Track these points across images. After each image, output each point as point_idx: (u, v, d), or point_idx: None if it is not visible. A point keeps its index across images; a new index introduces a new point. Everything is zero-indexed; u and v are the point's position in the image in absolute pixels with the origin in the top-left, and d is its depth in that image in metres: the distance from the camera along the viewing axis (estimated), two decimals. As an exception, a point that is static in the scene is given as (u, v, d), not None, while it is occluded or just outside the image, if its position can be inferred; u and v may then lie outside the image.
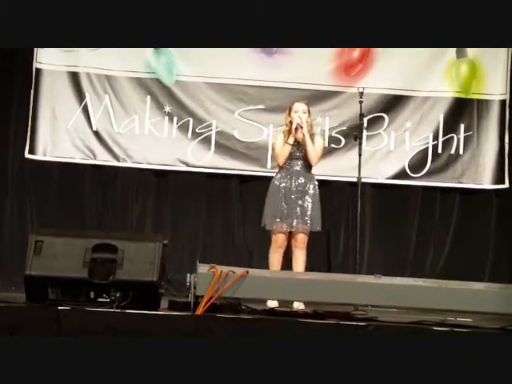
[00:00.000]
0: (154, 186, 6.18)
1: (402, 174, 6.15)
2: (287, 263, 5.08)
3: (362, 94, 5.44)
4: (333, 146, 6.17)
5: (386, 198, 6.22)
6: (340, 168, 6.11)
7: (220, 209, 6.21)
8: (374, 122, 6.14)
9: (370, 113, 6.05)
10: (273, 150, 5.07)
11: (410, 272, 5.92)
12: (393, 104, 6.17)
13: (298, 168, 4.98)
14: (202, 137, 6.11)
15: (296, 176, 4.97)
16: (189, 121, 6.10)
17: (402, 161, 6.15)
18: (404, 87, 6.15)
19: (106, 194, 6.13)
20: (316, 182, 5.05)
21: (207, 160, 6.12)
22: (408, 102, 6.17)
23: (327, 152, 6.07)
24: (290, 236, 4.97)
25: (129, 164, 6.06)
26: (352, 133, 5.68)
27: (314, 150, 4.95)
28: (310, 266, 5.90)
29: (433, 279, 4.96)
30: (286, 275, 4.44)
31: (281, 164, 4.97)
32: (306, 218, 4.92)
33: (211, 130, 6.11)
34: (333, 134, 6.17)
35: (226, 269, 3.65)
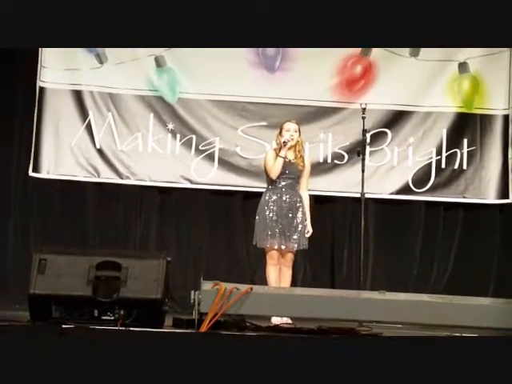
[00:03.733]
0: (158, 203, 6.20)
1: (405, 190, 6.17)
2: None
3: (364, 109, 5.46)
4: (336, 161, 6.20)
5: (390, 214, 6.23)
6: (343, 184, 6.13)
7: (223, 225, 6.22)
8: (377, 138, 6.17)
9: (373, 128, 6.08)
10: (264, 166, 5.06)
11: (413, 288, 5.90)
12: (395, 119, 6.20)
13: (287, 185, 5.00)
14: (205, 154, 6.15)
15: (285, 194, 4.98)
16: (192, 138, 6.14)
17: (406, 176, 6.17)
18: (406, 103, 6.19)
19: (110, 212, 6.15)
20: (306, 199, 5.07)
21: (210, 177, 6.13)
22: (411, 118, 6.20)
23: (330, 168, 6.14)
24: (281, 253, 4.98)
25: (132, 181, 6.08)
26: (355, 148, 5.71)
27: (308, 202, 5.01)
28: (313, 282, 6.08)
29: (437, 295, 4.95)
30: (291, 292, 4.44)
31: (274, 177, 4.97)
32: (295, 237, 4.96)
33: (214, 146, 6.15)
34: (336, 150, 6.20)
35: (229, 285, 3.65)
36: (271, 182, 5.05)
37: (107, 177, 6.06)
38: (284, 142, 4.95)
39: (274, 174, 4.98)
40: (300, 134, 5.08)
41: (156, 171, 6.12)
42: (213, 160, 6.14)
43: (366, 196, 5.49)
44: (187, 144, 6.15)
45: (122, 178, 6.07)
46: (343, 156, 6.19)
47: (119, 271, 3.75)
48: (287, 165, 5.01)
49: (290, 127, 5.02)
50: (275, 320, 4.55)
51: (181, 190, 6.14)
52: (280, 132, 5.08)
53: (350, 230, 6.18)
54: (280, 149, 5.01)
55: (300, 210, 5.01)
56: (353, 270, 6.04)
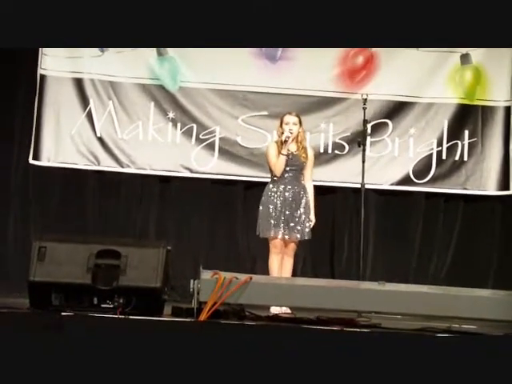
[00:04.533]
0: (158, 192, 6.17)
1: (406, 180, 6.14)
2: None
3: (365, 100, 5.45)
4: (336, 152, 6.18)
5: (390, 205, 6.21)
6: (344, 174, 6.11)
7: (224, 215, 6.20)
8: (378, 129, 6.13)
9: (374, 119, 6.05)
10: (267, 161, 5.08)
11: (413, 279, 5.88)
12: (397, 110, 6.17)
13: (291, 177, 5.00)
14: (205, 143, 6.13)
15: (289, 185, 4.99)
16: (192, 127, 6.12)
17: (407, 167, 6.14)
18: (408, 93, 6.16)
19: (110, 200, 6.11)
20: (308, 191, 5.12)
21: (211, 166, 6.12)
22: (412, 108, 6.17)
23: (331, 158, 6.13)
24: (285, 242, 4.99)
25: (132, 170, 6.06)
26: (356, 139, 5.70)
27: (312, 192, 5.02)
28: (313, 273, 6.09)
29: (437, 286, 4.92)
30: (291, 281, 4.44)
31: (278, 175, 4.98)
32: (298, 228, 4.96)
33: (215, 136, 6.13)
34: (336, 140, 6.19)
35: (229, 275, 3.66)
36: (277, 177, 5.06)
37: (107, 165, 6.04)
38: (285, 140, 4.92)
39: (277, 173, 4.99)
40: (301, 125, 5.06)
41: (156, 160, 6.10)
42: (213, 149, 6.12)
43: (367, 187, 5.50)
44: (188, 133, 6.12)
45: (122, 167, 6.05)
46: (344, 146, 6.17)
47: (119, 259, 3.75)
48: (290, 157, 4.99)
49: (289, 120, 5.00)
50: (274, 310, 4.54)
51: (181, 180, 6.12)
52: (280, 124, 5.06)
53: (351, 220, 6.16)
54: (282, 143, 4.98)
55: (303, 200, 5.00)
56: (353, 261, 6.01)
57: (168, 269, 3.89)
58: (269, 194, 5.00)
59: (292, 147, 5.02)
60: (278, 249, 4.97)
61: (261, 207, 5.03)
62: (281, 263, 4.98)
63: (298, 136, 5.05)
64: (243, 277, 3.65)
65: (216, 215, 6.19)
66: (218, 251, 6.11)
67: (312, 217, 5.05)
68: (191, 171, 6.10)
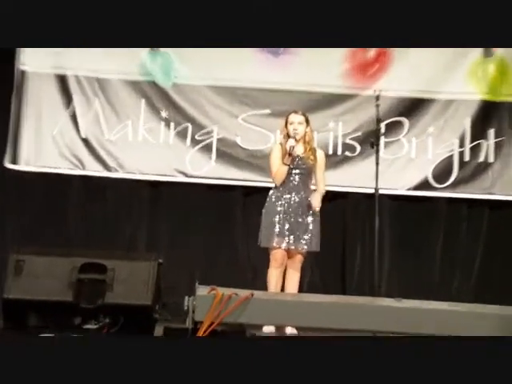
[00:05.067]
0: (149, 198, 6.12)
1: (424, 185, 6.08)
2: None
3: (378, 96, 5.41)
4: (347, 154, 6.12)
5: (407, 212, 6.13)
6: (355, 178, 6.05)
7: (222, 224, 6.12)
8: (393, 128, 6.09)
9: (388, 117, 6.00)
10: (268, 165, 5.02)
11: (433, 295, 5.59)
12: (413, 107, 6.12)
13: (298, 181, 4.95)
14: (202, 144, 6.06)
15: (296, 191, 4.94)
16: (187, 127, 6.06)
17: (425, 170, 6.08)
18: (425, 89, 6.10)
19: (95, 208, 6.04)
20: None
21: (208, 170, 6.05)
22: (430, 106, 6.11)
23: (341, 160, 6.07)
24: (289, 253, 4.93)
25: (121, 174, 6.00)
26: (368, 139, 5.64)
27: (321, 190, 4.94)
28: (322, 288, 6.00)
29: (460, 303, 4.76)
30: (297, 298, 4.38)
31: (278, 184, 4.94)
32: (306, 237, 4.90)
33: (212, 136, 6.07)
34: (347, 141, 6.12)
35: (228, 291, 3.62)
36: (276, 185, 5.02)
37: (93, 169, 5.98)
38: (289, 152, 4.85)
39: (277, 182, 4.94)
40: (309, 124, 5.01)
41: (147, 163, 6.03)
42: (210, 151, 6.06)
43: (381, 192, 5.45)
44: (182, 133, 6.06)
45: (109, 171, 6.00)
46: (355, 147, 6.10)
47: (105, 274, 3.84)
48: (296, 160, 4.94)
49: (294, 120, 4.96)
50: (267, 329, 4.50)
51: (175, 185, 6.05)
52: (285, 124, 5.01)
53: (363, 229, 6.10)
54: (286, 152, 4.89)
55: (311, 207, 4.95)
56: (366, 274, 5.93)
57: (160, 284, 4.05)
58: (273, 200, 4.95)
59: (299, 149, 4.96)
60: (279, 262, 4.91)
61: (264, 214, 4.97)
62: (280, 277, 4.90)
63: (305, 136, 4.98)
64: (244, 293, 3.61)
65: (213, 224, 6.12)
66: (215, 264, 6.03)
67: (316, 201, 4.83)
68: (186, 175, 6.04)
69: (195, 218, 6.10)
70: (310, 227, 4.93)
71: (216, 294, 3.52)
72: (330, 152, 6.07)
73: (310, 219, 4.93)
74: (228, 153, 6.08)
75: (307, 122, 5.02)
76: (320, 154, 5.08)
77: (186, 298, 3.59)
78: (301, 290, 5.30)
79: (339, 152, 6.11)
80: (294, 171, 4.95)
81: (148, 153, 6.04)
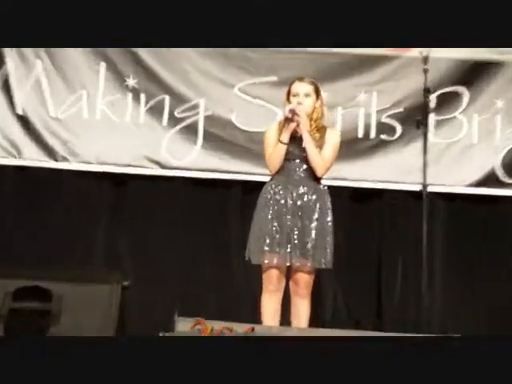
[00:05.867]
0: (111, 197, 6.08)
1: (491, 180, 6.02)
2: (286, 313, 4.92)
3: (426, 58, 5.27)
4: (383, 137, 6.05)
5: (467, 216, 6.08)
6: (394, 171, 6.02)
7: (210, 231, 6.07)
8: (447, 101, 6.01)
9: (441, 87, 5.93)
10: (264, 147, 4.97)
11: (507, 330, 5.57)
12: (474, 74, 6.04)
13: (299, 173, 4.88)
14: (183, 124, 6.01)
15: (298, 185, 4.86)
16: (164, 100, 6.00)
17: (491, 159, 6.01)
18: (490, 49, 5.94)
19: (37, 210, 5.97)
20: (327, 197, 4.90)
21: (192, 159, 6.00)
22: (497, 71, 6.04)
23: (374, 147, 6.03)
24: (288, 273, 4.86)
25: (72, 165, 5.94)
26: (413, 117, 5.43)
27: (320, 157, 4.84)
28: (349, 320, 6.00)
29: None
30: (312, 334, 4.34)
31: (272, 172, 4.88)
32: (309, 248, 4.79)
33: (198, 113, 6.01)
34: (383, 120, 6.04)
35: (219, 324, 3.61)
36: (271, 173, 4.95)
37: (33, 158, 5.93)
38: (285, 117, 4.79)
39: (272, 167, 4.88)
40: (319, 96, 4.88)
41: (108, 149, 5.96)
42: (196, 133, 6.00)
43: (431, 189, 5.25)
44: (157, 109, 5.99)
45: (55, 160, 5.93)
46: (394, 128, 6.04)
47: (49, 301, 3.85)
48: (296, 143, 4.83)
49: (299, 90, 4.86)
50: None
51: (146, 179, 5.98)
52: (287, 96, 4.91)
53: (406, 240, 6.00)
54: (287, 120, 4.82)
55: (317, 208, 4.86)
56: (410, 300, 5.86)
57: (124, 315, 4.02)
58: (265, 199, 4.86)
59: (292, 128, 4.82)
60: (274, 284, 4.81)
61: (254, 218, 4.89)
62: (278, 306, 4.87)
63: (312, 112, 4.85)
64: (241, 327, 3.59)
65: (199, 232, 6.05)
66: (201, 286, 5.97)
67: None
68: (162, 166, 5.99)
69: (174, 225, 6.03)
70: (313, 234, 4.81)
71: (203, 329, 3.52)
72: (360, 135, 6.04)
73: (313, 224, 4.84)
74: (219, 135, 6.01)
75: (317, 93, 4.89)
76: (332, 134, 4.93)
77: (161, 334, 3.57)
78: (318, 322, 5.33)
79: (372, 135, 6.05)
80: (295, 160, 4.85)
81: (110, 136, 5.97)
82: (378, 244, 6.16)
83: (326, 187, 4.90)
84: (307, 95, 4.85)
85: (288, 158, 4.83)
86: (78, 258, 5.96)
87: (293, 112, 4.73)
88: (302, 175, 4.87)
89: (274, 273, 4.81)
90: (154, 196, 6.08)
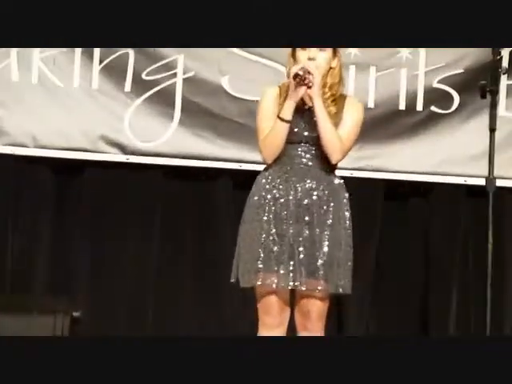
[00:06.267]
0: (55, 193, 5.99)
1: None
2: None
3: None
4: (434, 109, 5.95)
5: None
6: (448, 158, 5.99)
7: (192, 235, 6.05)
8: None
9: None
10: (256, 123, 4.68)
11: None
12: None
13: (305, 161, 4.68)
14: (155, 90, 5.93)
15: (302, 177, 4.65)
16: (127, 56, 5.91)
17: None
18: None
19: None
20: (345, 193, 4.68)
21: (167, 140, 5.94)
22: None
23: (422, 122, 6.00)
24: (292, 299, 4.67)
25: (1, 148, 5.87)
26: (476, 82, 4.94)
27: (337, 135, 4.63)
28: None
29: None
30: None
31: (268, 161, 4.65)
32: (319, 265, 4.60)
33: (175, 75, 5.97)
34: (434, 85, 5.96)
35: None
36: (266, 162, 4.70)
37: None
38: (295, 75, 4.49)
39: (266, 154, 4.66)
40: (336, 53, 4.64)
41: (50, 127, 5.87)
42: (172, 104, 5.94)
43: (500, 183, 4.83)
44: (117, 69, 5.90)
45: None
46: (451, 97, 6.00)
47: None
48: (302, 117, 4.62)
49: (307, 51, 4.62)
50: None
51: (104, 168, 5.91)
52: (292, 53, 4.66)
53: (465, 246, 6.07)
54: (286, 92, 4.58)
55: (331, 210, 4.66)
56: (469, 322, 6.03)
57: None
58: (261, 196, 4.66)
59: (299, 95, 4.54)
60: (275, 315, 4.62)
61: (242, 226, 4.68)
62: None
63: (327, 76, 4.59)
64: None
65: (175, 236, 6.02)
66: (180, 309, 5.99)
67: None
68: (124, 151, 5.92)
69: (141, 227, 6.00)
70: (325, 246, 4.63)
71: None
72: (402, 107, 5.99)
73: (327, 232, 4.66)
74: (204, 107, 5.91)
75: (334, 52, 4.66)
76: (354, 106, 4.70)
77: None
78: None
79: (419, 107, 5.97)
80: (300, 141, 4.65)
81: (52, 107, 5.88)
82: (426, 254, 6.18)
83: (342, 181, 4.69)
84: (321, 49, 4.65)
85: (291, 139, 4.62)
86: (11, 277, 5.96)
87: (304, 70, 4.49)
88: (310, 164, 4.67)
89: (272, 300, 4.62)
90: (114, 191, 6.03)
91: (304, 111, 4.61)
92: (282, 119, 4.57)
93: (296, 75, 4.46)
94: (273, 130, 4.62)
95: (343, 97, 4.72)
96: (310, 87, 4.53)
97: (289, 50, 4.68)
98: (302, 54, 4.60)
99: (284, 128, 4.58)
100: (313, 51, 4.60)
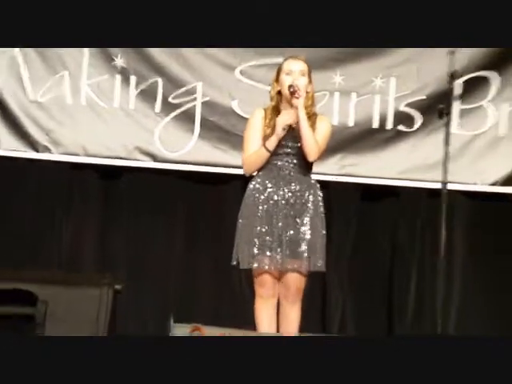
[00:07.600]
0: (99, 193, 6.41)
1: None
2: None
3: (452, 40, 4.84)
4: (400, 128, 6.27)
5: (492, 218, 6.28)
6: (412, 166, 6.28)
7: (208, 230, 6.39)
8: (474, 88, 6.23)
9: (467, 72, 6.16)
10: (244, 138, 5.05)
11: None
12: (505, 57, 6.26)
13: (289, 168, 5.07)
14: (178, 111, 6.32)
15: (286, 181, 5.05)
16: (157, 83, 6.29)
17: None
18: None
19: (17, 206, 6.28)
20: (319, 193, 5.09)
21: (188, 151, 6.31)
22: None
23: (391, 138, 6.28)
24: (279, 277, 5.06)
25: (54, 156, 6.23)
26: (435, 105, 5.45)
27: (315, 139, 4.98)
28: (358, 331, 6.35)
29: None
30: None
31: (247, 174, 5.10)
32: (303, 250, 5.02)
33: (195, 99, 6.32)
34: (402, 108, 6.26)
35: (217, 331, 3.95)
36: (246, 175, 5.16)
37: (10, 147, 6.24)
38: (291, 91, 4.89)
39: (247, 170, 5.11)
40: (311, 80, 5.00)
41: (95, 139, 6.24)
42: (192, 122, 6.29)
43: (451, 187, 5.27)
44: (149, 94, 6.26)
45: (36, 151, 6.24)
46: (413, 119, 6.28)
47: (33, 306, 4.05)
48: (289, 136, 5.01)
49: (293, 68, 4.96)
50: None
51: (137, 173, 6.28)
52: (276, 77, 5.01)
53: (423, 242, 6.29)
54: (275, 108, 5.01)
55: (310, 207, 5.07)
56: (425, 312, 6.14)
57: (115, 321, 4.22)
58: (251, 197, 5.08)
59: (297, 104, 4.95)
60: (269, 288, 5.02)
61: (240, 220, 5.08)
62: (274, 312, 5.10)
63: (308, 99, 5.04)
64: (240, 333, 3.95)
65: (196, 230, 6.37)
66: (198, 288, 6.29)
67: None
68: (155, 159, 6.30)
69: (169, 222, 6.37)
70: (307, 234, 5.04)
71: (200, 335, 3.82)
72: (376, 125, 6.26)
73: (307, 223, 5.06)
74: (218, 125, 6.30)
75: (309, 74, 5.00)
76: (323, 121, 5.06)
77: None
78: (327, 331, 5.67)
79: (389, 125, 6.29)
80: (282, 151, 5.01)
81: (96, 123, 6.25)
82: (392, 247, 6.42)
83: (315, 181, 5.10)
84: (303, 74, 4.96)
85: (276, 151, 5.00)
86: (65, 259, 6.25)
87: (295, 84, 4.85)
88: (293, 170, 5.06)
89: (266, 279, 5.03)
90: (147, 191, 6.36)
91: (288, 129, 5.01)
92: (267, 149, 4.99)
93: (290, 86, 4.85)
94: (257, 155, 5.03)
95: (315, 115, 5.06)
96: (297, 98, 4.87)
97: (273, 75, 5.06)
98: (287, 77, 4.97)
99: (266, 155, 5.00)
100: (296, 75, 4.96)
